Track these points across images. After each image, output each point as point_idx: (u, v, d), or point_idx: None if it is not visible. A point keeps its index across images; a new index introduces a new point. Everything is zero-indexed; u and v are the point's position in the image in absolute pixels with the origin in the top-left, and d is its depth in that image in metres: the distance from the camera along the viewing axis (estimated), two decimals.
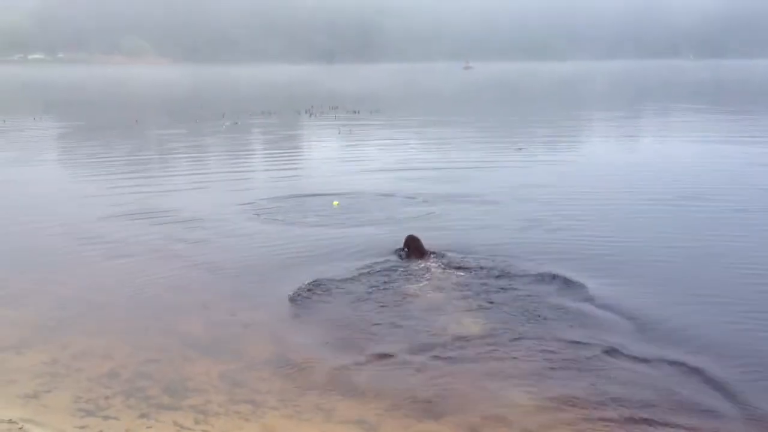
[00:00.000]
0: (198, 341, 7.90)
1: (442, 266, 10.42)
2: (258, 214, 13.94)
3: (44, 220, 13.52)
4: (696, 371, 7.04)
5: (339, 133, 29.75)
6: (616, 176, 18.63)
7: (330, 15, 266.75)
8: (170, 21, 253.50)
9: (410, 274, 10.13)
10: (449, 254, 10.94)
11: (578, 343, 7.81)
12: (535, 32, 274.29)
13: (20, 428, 6.16)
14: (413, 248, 10.91)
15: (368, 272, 10.16)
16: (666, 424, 6.17)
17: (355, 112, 40.19)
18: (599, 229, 12.74)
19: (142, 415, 6.39)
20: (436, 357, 7.45)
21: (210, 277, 10.04)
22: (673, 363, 7.23)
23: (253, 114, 39.62)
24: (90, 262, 10.84)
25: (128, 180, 18.13)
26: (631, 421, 6.23)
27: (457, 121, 36.58)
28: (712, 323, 8.33)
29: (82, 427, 6.22)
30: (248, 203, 14.99)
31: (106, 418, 6.36)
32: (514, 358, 7.44)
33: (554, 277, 9.95)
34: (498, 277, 10.00)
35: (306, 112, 40.14)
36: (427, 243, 10.99)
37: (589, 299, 9.16)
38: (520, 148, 23.25)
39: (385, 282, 9.87)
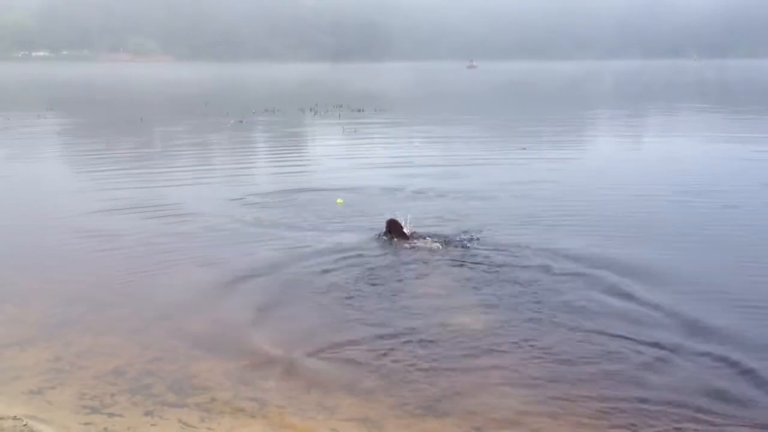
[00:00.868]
0: (203, 339, 7.90)
1: (429, 250, 10.91)
2: (263, 211, 13.99)
3: (49, 217, 13.55)
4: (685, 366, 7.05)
5: (343, 131, 29.75)
6: (619, 174, 18.66)
7: (335, 14, 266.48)
8: (175, 19, 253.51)
9: (407, 264, 10.41)
10: (431, 237, 11.57)
11: (584, 340, 7.82)
12: (539, 32, 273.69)
13: (25, 425, 6.16)
14: (395, 231, 11.63)
15: (366, 264, 10.37)
16: (670, 418, 6.17)
17: (359, 110, 40.17)
18: (601, 226, 12.76)
19: (147, 413, 6.39)
20: (440, 355, 7.46)
21: (215, 275, 10.02)
22: (677, 354, 7.28)
23: (258, 112, 39.63)
24: (95, 258, 10.86)
25: (133, 176, 18.16)
26: (641, 419, 6.24)
27: (461, 120, 36.52)
28: (710, 316, 8.33)
29: (86, 424, 6.23)
30: (252, 201, 15.08)
31: (110, 415, 6.36)
32: (519, 355, 7.46)
33: (555, 270, 10.08)
34: (499, 267, 10.23)
35: (310, 111, 40.15)
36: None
37: (592, 294, 9.21)
38: (524, 148, 23.23)
39: (384, 273, 10.07)
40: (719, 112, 41.99)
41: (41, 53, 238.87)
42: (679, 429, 6.11)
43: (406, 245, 11.27)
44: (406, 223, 11.90)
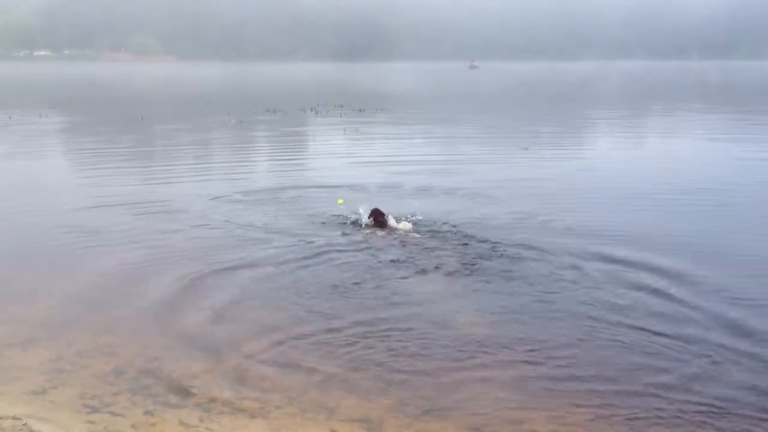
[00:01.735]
0: (203, 339, 7.90)
1: (422, 247, 11.22)
2: (262, 209, 14.02)
3: (50, 215, 13.55)
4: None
5: (345, 131, 29.77)
6: (622, 173, 18.65)
7: (337, 14, 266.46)
8: (178, 18, 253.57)
9: (404, 261, 10.51)
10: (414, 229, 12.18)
11: (588, 339, 7.84)
12: (541, 32, 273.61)
13: (24, 425, 6.17)
14: (377, 220, 12.37)
15: (364, 263, 10.47)
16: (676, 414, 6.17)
17: (360, 110, 40.19)
18: (602, 224, 12.75)
19: (147, 413, 6.40)
20: (440, 355, 7.46)
21: (216, 275, 10.02)
22: (668, 346, 7.27)
23: (259, 112, 39.65)
24: (96, 258, 10.84)
25: (133, 174, 18.19)
26: (642, 418, 6.25)
27: (463, 120, 36.58)
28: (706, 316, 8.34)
29: (87, 424, 6.23)
30: (255, 199, 15.12)
31: (111, 415, 6.37)
32: (521, 355, 7.47)
33: (556, 267, 10.17)
34: (499, 264, 10.37)
35: (312, 110, 40.16)
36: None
37: (596, 292, 9.24)
38: (526, 148, 23.24)
39: (382, 271, 10.14)
40: (721, 113, 42.00)
41: (43, 52, 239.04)
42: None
43: (385, 233, 11.98)
44: (387, 215, 12.48)
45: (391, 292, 9.32)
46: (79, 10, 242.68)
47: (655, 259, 10.62)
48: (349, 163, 21.10)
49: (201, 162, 21.86)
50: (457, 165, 20.33)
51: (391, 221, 12.38)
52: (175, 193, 15.84)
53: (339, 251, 11.06)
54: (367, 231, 12.20)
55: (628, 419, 6.26)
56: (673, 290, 9.27)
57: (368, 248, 11.23)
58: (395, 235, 11.90)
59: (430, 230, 12.26)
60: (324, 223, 12.97)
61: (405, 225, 12.35)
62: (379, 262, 10.53)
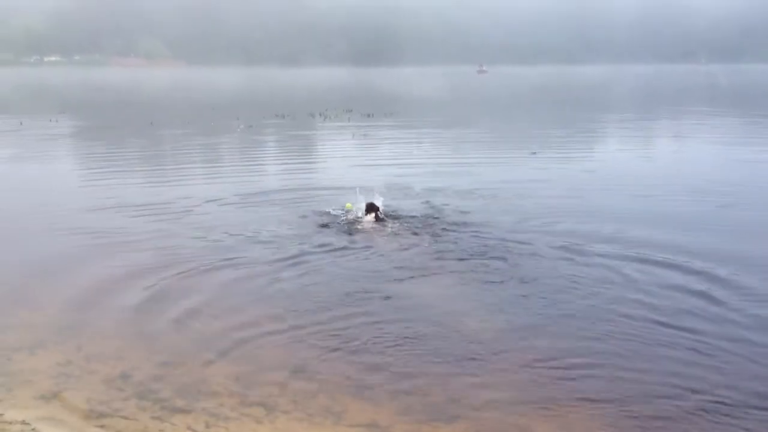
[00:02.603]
0: (211, 344, 7.90)
1: (427, 249, 11.36)
2: (269, 211, 14.08)
3: (60, 220, 13.58)
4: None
5: (353, 136, 29.79)
6: (634, 175, 18.59)
7: (347, 20, 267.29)
8: (187, 24, 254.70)
9: (408, 265, 10.50)
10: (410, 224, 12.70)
11: (596, 341, 7.82)
12: (550, 36, 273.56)
13: (33, 429, 6.19)
14: (371, 212, 12.92)
15: (367, 265, 10.55)
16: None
17: (369, 115, 40.21)
18: (612, 226, 12.70)
19: (155, 418, 6.41)
20: (447, 359, 7.45)
21: (223, 279, 10.04)
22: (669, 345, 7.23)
23: (267, 117, 39.72)
24: (104, 262, 10.86)
25: (141, 179, 18.23)
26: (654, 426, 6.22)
27: (471, 125, 36.51)
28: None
29: (95, 429, 6.25)
30: (262, 200, 15.28)
31: (119, 419, 6.38)
32: (529, 359, 7.45)
33: (564, 269, 10.19)
34: (505, 266, 10.41)
35: (320, 116, 40.20)
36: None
37: (605, 295, 9.23)
38: (534, 152, 23.20)
39: (387, 273, 10.21)
40: (733, 117, 41.87)
41: (53, 58, 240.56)
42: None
43: (378, 225, 12.59)
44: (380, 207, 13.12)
45: (398, 295, 9.32)
46: (89, 16, 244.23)
47: (671, 259, 10.63)
48: (355, 166, 21.20)
49: (211, 166, 21.90)
50: (463, 168, 20.36)
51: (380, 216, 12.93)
52: (183, 196, 15.86)
53: (344, 254, 11.12)
54: (367, 226, 12.52)
55: (640, 427, 6.22)
56: (683, 293, 9.25)
57: (373, 250, 11.28)
58: (395, 234, 12.09)
59: (433, 231, 12.34)
60: (329, 224, 13.05)
61: (393, 224, 12.78)
62: (385, 264, 10.56)
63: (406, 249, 11.36)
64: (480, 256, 10.88)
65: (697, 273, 10.08)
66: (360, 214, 13.05)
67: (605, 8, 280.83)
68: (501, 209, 14.35)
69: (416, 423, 6.33)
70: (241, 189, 16.82)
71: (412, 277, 10.06)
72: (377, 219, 12.82)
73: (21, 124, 35.16)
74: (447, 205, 14.57)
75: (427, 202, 14.84)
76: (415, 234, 12.21)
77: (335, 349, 7.70)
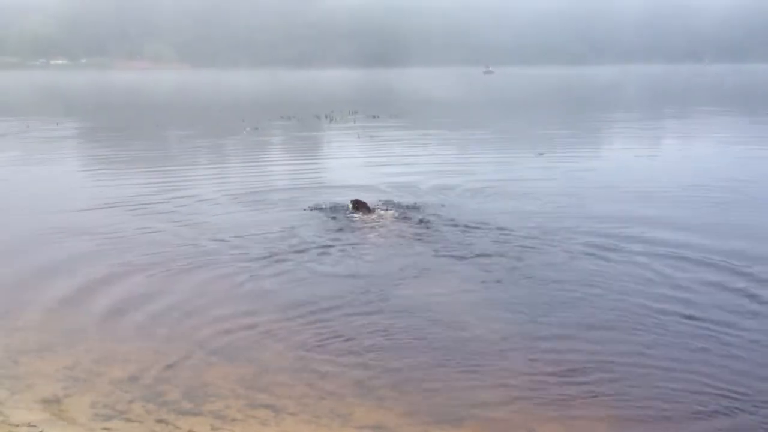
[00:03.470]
0: (217, 346, 7.90)
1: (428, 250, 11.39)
2: (276, 209, 14.12)
3: (65, 222, 13.58)
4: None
5: (358, 137, 29.78)
6: (638, 175, 18.55)
7: (353, 22, 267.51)
8: (192, 26, 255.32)
9: (411, 265, 10.46)
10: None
11: (604, 343, 7.79)
12: (555, 37, 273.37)
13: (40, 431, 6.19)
14: (362, 208, 13.54)
15: (369, 265, 10.59)
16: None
17: (374, 116, 40.22)
18: (618, 224, 12.66)
19: (161, 420, 6.40)
20: (454, 361, 7.43)
21: (229, 282, 10.03)
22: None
23: (273, 118, 39.76)
24: (110, 267, 10.84)
25: (148, 182, 18.18)
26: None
27: (478, 126, 36.47)
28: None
29: (101, 431, 6.24)
30: (269, 202, 15.26)
31: (125, 422, 6.38)
32: (536, 361, 7.41)
33: (573, 269, 10.16)
34: (511, 263, 10.47)
35: (326, 117, 40.20)
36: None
37: (612, 293, 9.24)
38: (541, 153, 23.18)
39: (391, 273, 10.20)
40: (732, 116, 41.80)
41: (59, 61, 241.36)
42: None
43: (372, 216, 13.14)
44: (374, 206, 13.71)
45: (403, 295, 9.32)
46: (95, 19, 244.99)
47: (678, 253, 10.66)
48: (360, 166, 21.26)
49: (216, 167, 21.93)
50: (468, 168, 20.47)
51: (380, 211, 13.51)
52: (189, 197, 15.89)
53: (349, 254, 11.14)
54: (388, 221, 12.83)
55: (647, 429, 6.20)
56: (692, 290, 9.22)
57: (377, 250, 11.29)
58: (398, 234, 12.20)
59: (437, 230, 12.39)
60: (333, 222, 13.13)
61: (389, 213, 13.43)
62: (389, 265, 10.56)
63: (410, 248, 11.37)
64: (486, 255, 10.87)
65: (713, 266, 10.09)
66: (349, 212, 13.44)
67: (610, 9, 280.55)
68: (505, 208, 14.33)
69: (423, 425, 6.30)
70: (245, 189, 16.92)
71: (417, 277, 10.06)
72: (364, 211, 13.33)
73: (27, 127, 35.27)
74: (451, 204, 14.58)
75: (431, 201, 14.86)
76: (419, 233, 12.22)
77: (342, 351, 7.68)
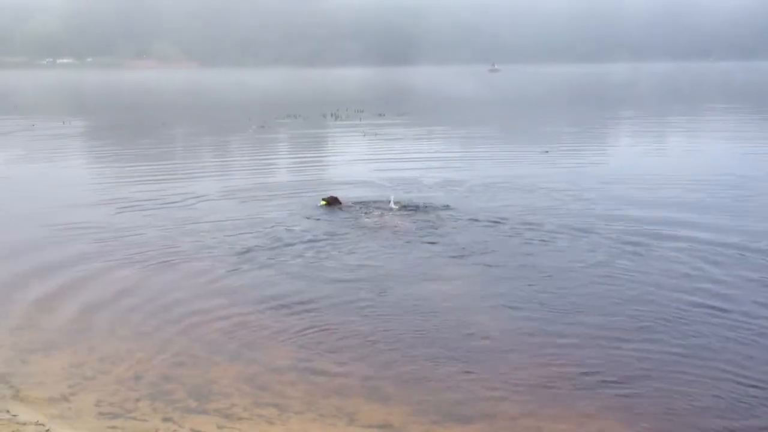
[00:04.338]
0: (223, 345, 7.90)
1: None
2: (286, 218, 14.03)
3: (71, 222, 13.58)
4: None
5: (364, 135, 29.78)
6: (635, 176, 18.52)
7: (359, 21, 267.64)
8: (199, 25, 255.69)
9: (417, 264, 10.36)
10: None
11: (612, 339, 7.78)
12: (564, 36, 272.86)
13: (47, 430, 6.20)
14: (334, 203, 13.98)
15: (374, 264, 10.51)
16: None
17: (380, 114, 40.21)
18: (623, 219, 12.64)
19: (167, 419, 6.40)
20: (460, 358, 7.42)
21: (235, 280, 10.04)
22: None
23: (279, 117, 39.79)
24: (116, 264, 10.86)
25: (154, 181, 18.20)
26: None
27: (484, 124, 36.42)
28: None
29: (108, 430, 6.25)
30: (274, 200, 15.24)
31: (131, 420, 6.38)
32: (542, 358, 7.41)
33: (580, 265, 10.18)
34: (515, 261, 10.41)
35: (332, 116, 40.23)
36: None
37: (620, 289, 9.26)
38: (546, 151, 23.15)
39: (396, 266, 10.30)
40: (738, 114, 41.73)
41: (66, 60, 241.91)
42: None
43: (378, 213, 13.38)
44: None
45: (409, 293, 9.31)
46: (102, 19, 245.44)
47: (684, 247, 10.63)
48: (363, 163, 21.35)
49: (222, 163, 21.95)
50: (472, 164, 20.67)
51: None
52: (192, 193, 15.97)
53: (353, 250, 11.18)
54: (396, 220, 12.90)
55: (654, 427, 6.17)
56: (704, 291, 9.18)
57: (381, 247, 11.29)
58: (402, 231, 12.25)
59: (442, 226, 12.45)
60: (336, 217, 13.18)
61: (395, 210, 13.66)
62: (395, 262, 10.57)
63: (416, 245, 11.37)
64: (492, 251, 10.92)
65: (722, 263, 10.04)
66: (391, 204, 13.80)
67: (617, 7, 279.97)
68: (511, 205, 14.35)
69: (429, 423, 6.29)
70: (249, 185, 17.23)
71: (423, 274, 10.06)
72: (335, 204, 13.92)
73: (33, 125, 35.37)
74: (456, 201, 14.61)
75: (437, 198, 14.90)
76: (425, 229, 12.24)
77: (347, 350, 7.68)
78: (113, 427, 6.28)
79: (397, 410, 6.51)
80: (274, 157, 24.71)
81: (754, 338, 7.78)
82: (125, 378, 7.18)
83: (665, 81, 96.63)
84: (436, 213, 13.42)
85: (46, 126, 35.35)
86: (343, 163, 22.29)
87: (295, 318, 8.62)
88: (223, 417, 6.41)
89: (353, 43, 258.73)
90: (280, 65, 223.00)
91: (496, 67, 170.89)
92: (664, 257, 10.64)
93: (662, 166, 20.81)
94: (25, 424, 6.31)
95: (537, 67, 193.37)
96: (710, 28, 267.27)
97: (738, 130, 31.84)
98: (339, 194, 14.47)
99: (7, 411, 6.56)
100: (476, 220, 12.83)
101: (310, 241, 11.76)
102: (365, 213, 13.46)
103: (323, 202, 14.04)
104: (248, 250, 11.31)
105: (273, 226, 12.81)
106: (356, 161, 22.04)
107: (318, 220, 13.23)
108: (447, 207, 13.97)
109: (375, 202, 14.41)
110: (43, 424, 6.30)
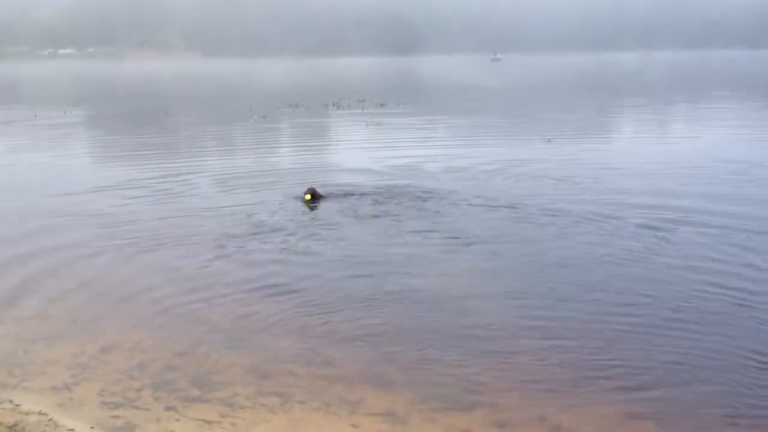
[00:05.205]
0: (226, 334, 7.89)
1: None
2: (286, 206, 14.01)
3: (74, 212, 13.58)
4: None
5: (366, 125, 29.72)
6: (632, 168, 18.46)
7: (360, 10, 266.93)
8: (202, 15, 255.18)
9: (420, 253, 10.28)
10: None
11: (617, 328, 7.77)
12: (567, 25, 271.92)
13: (50, 419, 6.19)
14: (314, 195, 13.72)
15: (375, 258, 10.37)
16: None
17: (382, 104, 40.12)
18: (627, 208, 12.60)
19: (170, 408, 6.39)
20: (463, 348, 7.40)
21: (238, 270, 10.02)
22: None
23: (281, 107, 39.72)
24: (119, 254, 10.85)
25: (158, 171, 18.17)
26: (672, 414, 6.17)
27: (485, 113, 36.34)
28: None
29: (110, 419, 6.24)
30: (275, 186, 15.42)
31: (134, 409, 6.38)
32: (545, 348, 7.38)
33: (582, 255, 10.13)
34: (520, 250, 10.36)
35: (333, 105, 40.15)
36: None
37: (626, 278, 9.24)
38: (549, 140, 23.10)
39: (395, 253, 10.36)
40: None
41: (68, 51, 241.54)
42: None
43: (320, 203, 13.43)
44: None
45: (413, 281, 9.30)
46: (104, 9, 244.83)
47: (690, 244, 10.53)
48: (361, 151, 21.61)
49: (229, 159, 21.90)
50: (475, 150, 20.66)
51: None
52: (189, 181, 16.08)
53: (356, 241, 11.17)
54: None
55: (656, 416, 6.15)
56: (699, 280, 9.15)
57: (382, 236, 11.31)
58: (401, 219, 12.25)
59: (445, 214, 12.49)
60: (343, 204, 13.26)
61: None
62: (396, 250, 10.60)
63: (419, 233, 11.36)
64: (495, 239, 10.93)
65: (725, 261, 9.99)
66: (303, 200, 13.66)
67: None
68: (516, 192, 14.30)
69: (433, 412, 6.28)
70: (248, 173, 17.42)
71: (426, 262, 10.05)
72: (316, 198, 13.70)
73: (35, 116, 35.36)
74: (459, 188, 14.60)
75: (438, 185, 14.97)
76: (427, 217, 12.24)
77: (350, 339, 7.67)
78: (116, 416, 6.27)
79: (401, 398, 6.49)
80: (275, 146, 24.78)
81: None
82: (127, 367, 7.17)
83: (677, 69, 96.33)
84: (438, 201, 13.38)
85: (48, 115, 35.41)
86: (343, 150, 22.52)
87: (298, 307, 8.60)
88: (225, 406, 6.40)
89: (359, 33, 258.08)
90: (285, 55, 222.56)
91: (498, 56, 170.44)
92: (672, 243, 10.64)
93: (666, 153, 20.75)
94: (28, 413, 6.30)
95: (542, 57, 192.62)
96: (715, 17, 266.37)
97: (747, 119, 31.70)
98: (315, 185, 14.33)
99: (10, 401, 6.55)
100: (479, 205, 12.90)
101: (313, 230, 11.76)
102: (358, 202, 13.42)
103: (308, 197, 13.92)
104: (249, 240, 11.29)
105: (274, 215, 12.81)
106: (353, 150, 22.30)
107: (319, 209, 13.20)
108: (449, 195, 13.94)
109: (369, 192, 14.41)
110: (45, 414, 6.30)
